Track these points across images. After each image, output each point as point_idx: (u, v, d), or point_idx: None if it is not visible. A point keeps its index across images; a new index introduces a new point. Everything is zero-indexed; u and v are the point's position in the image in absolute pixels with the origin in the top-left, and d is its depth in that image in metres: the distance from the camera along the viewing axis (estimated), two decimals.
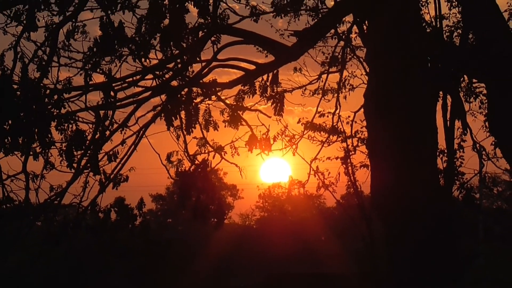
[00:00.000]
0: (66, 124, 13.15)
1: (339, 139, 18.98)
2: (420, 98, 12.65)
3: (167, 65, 13.79)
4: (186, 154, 14.80)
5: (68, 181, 14.27)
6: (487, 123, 14.79)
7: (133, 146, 14.59)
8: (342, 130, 18.89)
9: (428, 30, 14.83)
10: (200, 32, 13.47)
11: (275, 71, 14.37)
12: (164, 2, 12.93)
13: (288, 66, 15.28)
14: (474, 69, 14.09)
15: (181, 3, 12.88)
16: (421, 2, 15.91)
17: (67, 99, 13.23)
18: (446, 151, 14.00)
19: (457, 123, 14.24)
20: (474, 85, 16.19)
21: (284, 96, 15.13)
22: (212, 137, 14.81)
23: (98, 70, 13.28)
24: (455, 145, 14.34)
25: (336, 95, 19.05)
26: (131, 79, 13.88)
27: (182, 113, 13.76)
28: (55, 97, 13.04)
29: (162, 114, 13.82)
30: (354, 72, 19.31)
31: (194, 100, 13.89)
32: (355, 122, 18.66)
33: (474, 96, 16.42)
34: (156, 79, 13.84)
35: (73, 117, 13.34)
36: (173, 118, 13.64)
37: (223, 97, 14.60)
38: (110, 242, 15.03)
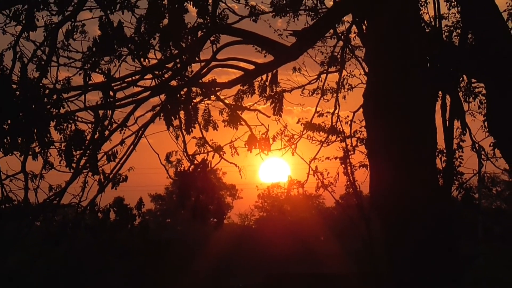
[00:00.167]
0: (65, 124, 13.14)
1: (338, 139, 19.00)
2: (419, 98, 12.64)
3: (166, 65, 13.78)
4: (185, 154, 14.79)
5: (67, 181, 14.26)
6: (486, 123, 14.81)
7: (132, 146, 14.59)
8: (341, 130, 18.91)
9: (427, 30, 14.84)
10: (199, 32, 13.48)
11: (274, 71, 14.37)
12: (163, 2, 12.93)
13: (287, 66, 15.32)
14: (473, 69, 14.09)
15: (180, 3, 12.88)
16: (420, 2, 15.96)
17: (66, 99, 13.22)
18: (445, 151, 14.00)
19: (456, 123, 14.25)
20: (473, 85, 16.21)
21: (283, 96, 15.14)
22: (211, 137, 14.83)
23: (97, 70, 13.27)
24: (454, 145, 14.34)
25: (335, 95, 19.08)
26: (130, 79, 13.88)
27: (181, 113, 13.77)
28: (54, 97, 13.03)
29: (161, 114, 13.81)
30: (353, 72, 19.36)
31: (193, 100, 13.89)
32: (354, 122, 18.70)
33: (473, 96, 16.44)
34: (155, 79, 13.83)
35: (72, 117, 13.33)
36: (172, 118, 13.64)
37: (222, 97, 14.60)
38: (110, 242, 15.01)
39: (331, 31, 17.92)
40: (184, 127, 13.87)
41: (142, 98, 14.13)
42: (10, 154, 12.90)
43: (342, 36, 18.24)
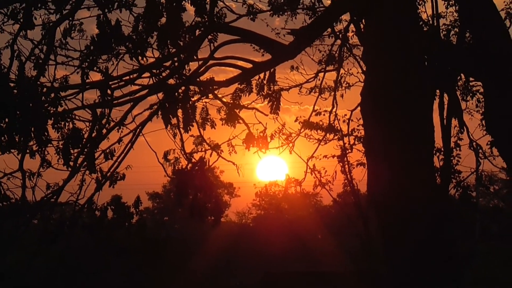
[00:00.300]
0: (62, 122, 13.14)
1: (336, 137, 19.01)
2: (417, 97, 12.64)
3: (164, 64, 13.79)
4: (183, 152, 14.80)
5: (65, 179, 14.27)
6: (483, 122, 14.81)
7: (129, 144, 14.59)
8: (339, 128, 18.93)
9: (425, 29, 14.84)
10: (197, 30, 13.48)
11: (272, 70, 14.38)
12: (161, 1, 12.92)
13: (285, 65, 15.31)
14: (471, 67, 14.09)
15: (178, 2, 12.87)
16: (418, 1, 15.93)
17: (64, 97, 13.22)
18: (442, 149, 14.01)
19: (454, 122, 14.26)
20: (471, 83, 16.21)
21: (281, 94, 15.17)
22: (209, 135, 14.84)
23: (95, 68, 13.27)
24: (451, 143, 14.35)
25: (333, 93, 19.10)
26: (128, 77, 13.87)
27: (179, 111, 13.77)
28: (52, 95, 13.03)
29: (159, 112, 13.82)
30: (351, 70, 19.37)
31: (191, 98, 13.90)
32: (352, 120, 18.71)
33: (471, 94, 16.44)
34: (153, 78, 13.83)
35: (69, 115, 13.32)
36: (170, 116, 13.64)
37: (220, 95, 14.63)
38: (107, 241, 15.02)
39: (329, 29, 17.94)
40: (182, 126, 13.88)
41: (139, 97, 14.14)
42: (7, 152, 12.89)
43: (340, 35, 18.26)
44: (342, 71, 18.98)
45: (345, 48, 18.56)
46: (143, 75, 13.94)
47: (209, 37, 13.59)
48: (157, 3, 12.84)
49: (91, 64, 13.20)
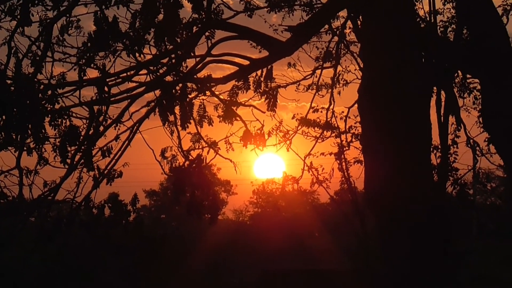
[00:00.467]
0: (60, 120, 13.11)
1: (333, 134, 18.99)
2: (414, 94, 12.65)
3: (161, 60, 13.78)
4: (180, 150, 14.79)
5: (62, 176, 14.24)
6: (480, 119, 14.81)
7: (127, 142, 14.58)
8: (336, 125, 18.90)
9: (422, 26, 14.84)
10: (194, 27, 13.46)
11: (269, 67, 14.37)
12: None
13: (282, 62, 15.30)
14: (468, 64, 14.10)
15: None
16: None
17: (61, 95, 13.20)
18: (440, 146, 14.00)
19: (451, 119, 14.25)
20: (468, 80, 16.19)
21: (278, 91, 15.17)
22: (206, 132, 14.84)
23: (92, 65, 13.25)
24: (449, 140, 14.34)
25: (330, 90, 19.09)
26: (125, 74, 13.86)
27: (177, 109, 13.76)
28: (49, 92, 13.00)
29: (156, 110, 13.80)
30: (348, 67, 19.37)
31: (189, 96, 13.88)
32: (349, 117, 18.68)
33: (468, 91, 16.42)
34: (150, 75, 13.82)
35: (67, 113, 13.30)
36: (168, 113, 13.63)
37: (217, 93, 14.62)
38: (104, 238, 15.00)
39: (326, 26, 17.92)
40: (179, 123, 13.87)
41: (137, 94, 14.12)
42: (4, 149, 12.88)
43: (337, 32, 18.25)
44: (339, 68, 18.99)
45: (342, 45, 18.56)
46: (140, 72, 13.92)
47: (206, 34, 13.59)
48: None
49: (88, 61, 13.18)
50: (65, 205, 15.29)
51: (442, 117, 13.69)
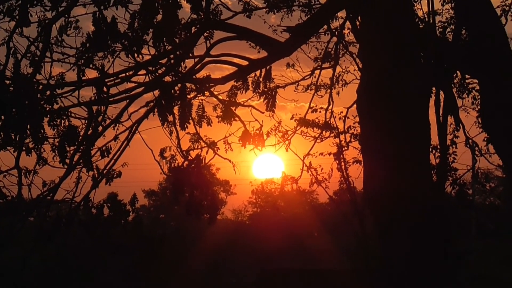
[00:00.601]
0: (58, 120, 13.11)
1: (332, 135, 19.01)
2: (413, 94, 12.65)
3: (160, 61, 13.77)
4: (179, 150, 14.79)
5: (61, 176, 14.24)
6: (479, 119, 14.82)
7: (126, 142, 14.58)
8: (335, 125, 18.92)
9: (421, 26, 14.84)
10: (193, 27, 13.46)
11: (268, 67, 14.37)
12: None
13: (281, 62, 15.32)
14: (467, 65, 14.11)
15: None
16: None
17: (60, 95, 13.20)
18: (439, 147, 14.01)
19: (450, 119, 14.27)
20: (467, 81, 16.22)
21: (277, 92, 15.17)
22: (205, 132, 14.84)
23: (91, 65, 13.25)
24: (448, 141, 14.35)
25: (329, 90, 19.10)
26: (124, 74, 13.86)
27: (175, 109, 13.76)
28: (48, 92, 13.00)
29: (155, 110, 13.81)
30: (347, 68, 19.39)
31: (187, 96, 13.88)
32: (348, 117, 18.71)
33: (467, 92, 16.45)
34: (149, 75, 13.82)
35: (65, 113, 13.30)
36: (167, 114, 13.63)
37: (216, 93, 14.62)
38: (103, 238, 15.00)
39: (325, 27, 17.94)
40: (178, 123, 13.87)
41: (135, 94, 14.12)
42: (3, 149, 12.88)
43: (336, 32, 18.25)
44: (338, 68, 19.01)
45: (341, 45, 18.57)
46: (139, 73, 13.92)
47: (205, 34, 13.58)
48: (153, 0, 12.83)
49: (87, 61, 13.18)
50: (64, 205, 15.30)
51: (441, 117, 13.70)
